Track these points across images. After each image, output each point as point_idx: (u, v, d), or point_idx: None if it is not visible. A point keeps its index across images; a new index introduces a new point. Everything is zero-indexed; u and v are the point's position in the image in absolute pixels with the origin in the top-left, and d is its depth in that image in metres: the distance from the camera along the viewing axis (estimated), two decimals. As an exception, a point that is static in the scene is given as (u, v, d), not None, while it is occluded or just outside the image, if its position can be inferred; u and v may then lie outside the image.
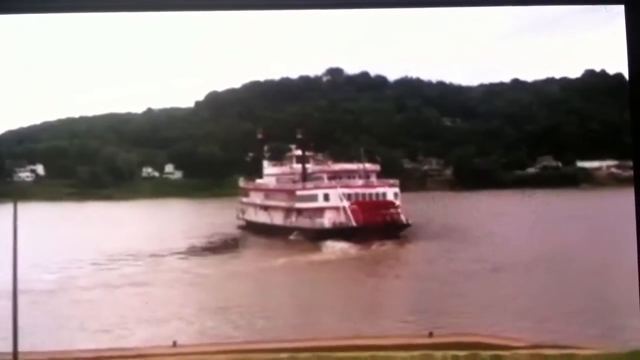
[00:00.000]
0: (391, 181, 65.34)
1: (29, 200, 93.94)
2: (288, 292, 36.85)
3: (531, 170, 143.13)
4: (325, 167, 69.46)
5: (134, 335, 31.28)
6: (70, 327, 32.51)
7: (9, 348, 21.79)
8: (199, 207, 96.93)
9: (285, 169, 73.80)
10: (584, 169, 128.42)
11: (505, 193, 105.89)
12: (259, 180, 79.05)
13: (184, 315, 32.38)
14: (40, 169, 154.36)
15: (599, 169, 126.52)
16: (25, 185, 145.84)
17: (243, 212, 77.13)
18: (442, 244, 52.65)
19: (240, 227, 73.53)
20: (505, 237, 52.47)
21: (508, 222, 63.28)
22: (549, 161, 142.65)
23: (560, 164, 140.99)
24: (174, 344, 30.86)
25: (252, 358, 28.19)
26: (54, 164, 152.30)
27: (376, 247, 53.55)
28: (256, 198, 75.64)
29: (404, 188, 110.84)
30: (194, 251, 54.38)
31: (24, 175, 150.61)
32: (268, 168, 78.79)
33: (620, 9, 8.35)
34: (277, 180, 74.12)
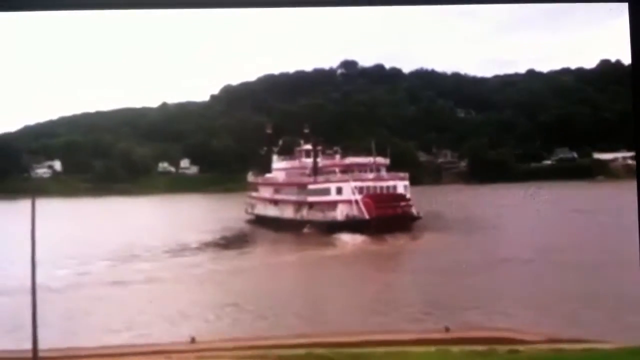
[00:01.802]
0: (401, 174, 65.01)
1: (47, 196, 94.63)
2: (304, 286, 36.88)
3: (547, 162, 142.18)
4: (336, 161, 69.19)
5: (150, 331, 31.51)
6: (87, 323, 32.78)
7: (27, 344, 21.94)
8: (214, 202, 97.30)
9: (294, 163, 73.24)
10: (599, 161, 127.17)
11: (520, 185, 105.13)
12: (268, 175, 78.78)
13: (200, 311, 32.48)
14: (57, 164, 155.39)
15: (614, 160, 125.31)
16: (43, 181, 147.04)
17: (252, 206, 76.92)
18: (454, 236, 52.42)
19: (249, 222, 73.52)
20: (519, 231, 52.23)
21: (521, 216, 62.84)
22: (564, 153, 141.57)
23: (576, 155, 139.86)
24: (193, 340, 30.96)
25: (268, 354, 28.27)
26: (71, 159, 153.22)
27: (389, 240, 53.49)
28: (265, 192, 75.16)
29: (419, 181, 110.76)
30: (208, 246, 54.54)
31: (42, 171, 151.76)
32: (277, 162, 78.42)
33: (624, 6, 8.34)
34: (287, 175, 73.64)
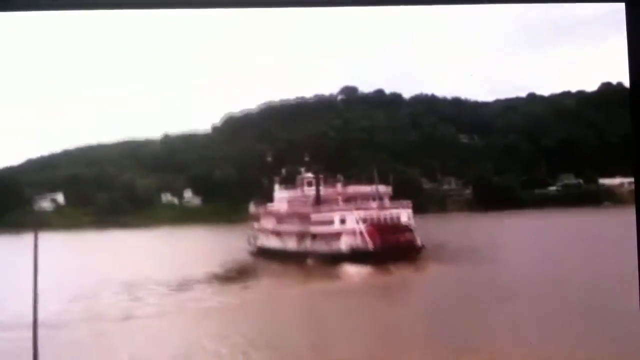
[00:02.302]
0: (404, 202, 64.54)
1: (50, 229, 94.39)
2: (310, 320, 36.26)
3: (552, 188, 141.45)
4: (339, 190, 68.79)
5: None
6: (89, 359, 32.18)
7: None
8: (217, 234, 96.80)
9: (296, 192, 72.74)
10: (605, 187, 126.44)
11: (526, 213, 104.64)
12: (270, 205, 78.28)
13: (202, 346, 31.85)
14: (60, 197, 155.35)
15: (620, 185, 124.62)
16: (46, 214, 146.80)
17: (255, 238, 76.24)
18: (460, 268, 51.77)
19: (252, 254, 72.82)
20: (525, 261, 51.56)
21: (528, 245, 62.30)
22: (569, 179, 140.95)
23: (581, 182, 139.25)
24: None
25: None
26: (74, 191, 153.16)
27: (394, 272, 52.86)
28: (268, 223, 74.60)
29: (423, 209, 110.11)
30: (211, 279, 53.94)
31: (45, 204, 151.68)
32: (279, 192, 77.82)
33: (621, 6, 8.21)
34: (289, 204, 73.08)
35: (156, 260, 67.73)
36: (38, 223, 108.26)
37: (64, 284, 47.32)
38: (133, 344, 32.66)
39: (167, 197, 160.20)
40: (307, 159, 75.03)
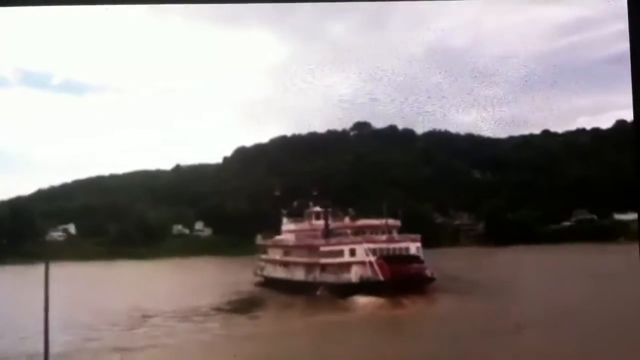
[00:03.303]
0: (413, 236, 64.14)
1: (61, 260, 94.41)
2: (325, 352, 35.55)
3: (566, 223, 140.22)
4: (348, 223, 68.67)
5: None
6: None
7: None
8: (227, 265, 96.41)
9: (304, 225, 73.08)
10: (620, 222, 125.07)
11: (539, 248, 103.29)
12: (277, 237, 78.40)
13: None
14: (71, 227, 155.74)
15: (634, 221, 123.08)
16: (57, 245, 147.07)
17: (261, 269, 76.29)
18: (470, 299, 51.03)
19: (259, 284, 72.69)
20: (536, 296, 50.65)
21: (540, 280, 61.31)
22: (584, 214, 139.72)
23: (596, 217, 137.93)
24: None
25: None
26: (85, 222, 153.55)
27: (406, 304, 52.22)
28: (275, 254, 74.68)
29: (435, 243, 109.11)
30: (219, 310, 53.43)
31: (56, 235, 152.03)
32: (287, 224, 77.93)
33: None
34: (296, 237, 73.38)
35: (166, 291, 67.34)
36: (49, 253, 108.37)
37: (74, 314, 47.06)
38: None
39: (178, 228, 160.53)
40: (315, 193, 75.04)
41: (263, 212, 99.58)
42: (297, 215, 76.74)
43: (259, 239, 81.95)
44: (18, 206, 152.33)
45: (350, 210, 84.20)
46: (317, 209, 72.37)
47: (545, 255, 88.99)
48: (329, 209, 71.70)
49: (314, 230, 69.16)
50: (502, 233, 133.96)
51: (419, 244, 61.90)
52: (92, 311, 51.56)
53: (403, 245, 60.95)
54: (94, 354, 35.26)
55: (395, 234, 63.11)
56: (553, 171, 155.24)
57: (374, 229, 63.19)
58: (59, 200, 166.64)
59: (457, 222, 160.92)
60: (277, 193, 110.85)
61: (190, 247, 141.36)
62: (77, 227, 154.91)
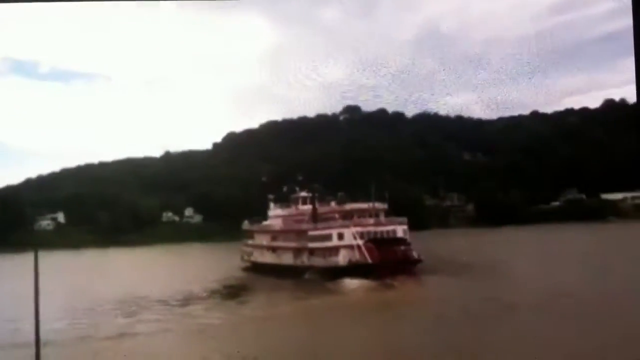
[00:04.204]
0: (400, 219, 63.93)
1: (50, 249, 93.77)
2: (318, 334, 35.47)
3: (555, 203, 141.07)
4: (336, 207, 68.45)
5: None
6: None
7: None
8: (217, 251, 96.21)
9: (291, 210, 72.84)
10: (608, 201, 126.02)
11: (528, 228, 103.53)
12: (264, 222, 78.26)
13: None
14: (60, 216, 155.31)
15: (623, 200, 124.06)
16: (46, 234, 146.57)
17: (248, 254, 76.14)
18: (458, 279, 51.08)
19: (246, 269, 72.61)
20: (526, 275, 50.65)
21: (529, 259, 61.50)
22: (573, 194, 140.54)
23: (584, 197, 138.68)
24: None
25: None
26: (75, 211, 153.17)
27: (393, 283, 52.36)
28: (263, 240, 74.50)
29: (425, 225, 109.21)
30: (209, 295, 53.29)
31: (45, 223, 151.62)
32: (274, 210, 77.70)
33: (624, 27, 7.87)
34: (284, 222, 73.15)
35: (156, 278, 67.14)
36: (38, 242, 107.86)
37: (64, 302, 46.91)
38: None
39: (168, 215, 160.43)
40: (300, 178, 74.87)
41: (253, 198, 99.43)
42: (284, 200, 76.42)
43: (246, 225, 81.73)
44: (6, 196, 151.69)
45: (342, 194, 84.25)
46: (304, 194, 72.00)
47: (534, 235, 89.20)
48: (316, 194, 71.39)
49: (301, 215, 68.91)
50: (491, 214, 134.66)
51: (405, 227, 61.70)
52: (82, 299, 51.29)
53: (390, 228, 60.69)
54: (85, 342, 34.96)
55: (382, 217, 62.89)
56: (542, 152, 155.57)
57: (362, 213, 62.90)
58: (48, 189, 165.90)
59: (447, 203, 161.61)
60: (264, 179, 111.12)
61: (181, 234, 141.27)
62: (66, 216, 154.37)
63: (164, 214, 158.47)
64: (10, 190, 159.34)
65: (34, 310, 11.18)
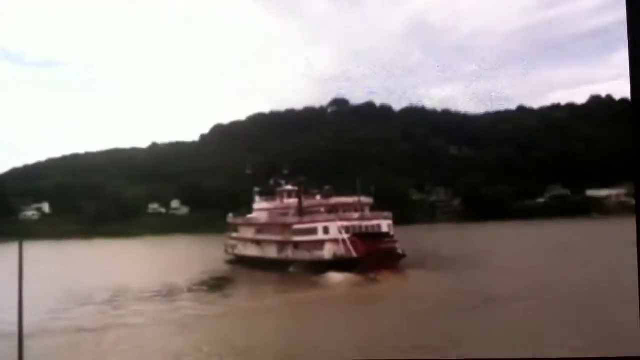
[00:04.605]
0: (385, 213, 64.18)
1: (35, 239, 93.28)
2: (303, 328, 35.53)
3: (540, 200, 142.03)
4: (322, 201, 68.52)
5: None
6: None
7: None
8: (203, 243, 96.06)
9: (276, 203, 72.91)
10: (593, 198, 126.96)
11: (514, 223, 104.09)
12: (249, 215, 78.29)
13: (180, 355, 31.10)
14: (46, 206, 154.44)
15: (608, 197, 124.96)
16: (31, 224, 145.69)
17: (232, 247, 76.23)
18: (445, 275, 51.47)
19: (230, 262, 72.65)
20: (509, 270, 51.04)
21: (513, 254, 61.94)
22: (558, 190, 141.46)
23: (569, 193, 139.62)
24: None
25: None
26: (60, 201, 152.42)
27: (377, 278, 52.60)
28: (247, 233, 74.54)
29: (411, 220, 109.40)
30: (193, 288, 53.21)
31: (30, 213, 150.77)
32: (259, 203, 77.67)
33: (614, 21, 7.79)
34: (269, 215, 73.21)
35: (140, 269, 67.05)
36: (23, 232, 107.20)
37: (49, 293, 46.70)
38: (113, 353, 31.87)
39: (154, 207, 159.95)
40: (286, 171, 74.73)
41: (240, 191, 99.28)
42: (270, 193, 76.32)
43: (230, 218, 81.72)
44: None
45: (329, 187, 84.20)
46: (289, 187, 71.99)
47: (519, 230, 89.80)
48: (302, 187, 71.42)
49: (286, 208, 68.96)
50: (477, 209, 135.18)
51: (390, 222, 61.94)
52: (65, 290, 51.13)
53: (375, 223, 60.91)
54: (67, 334, 34.85)
55: (367, 212, 63.07)
56: (529, 147, 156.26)
57: (347, 207, 63.02)
58: (34, 179, 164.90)
59: (433, 198, 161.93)
60: (249, 171, 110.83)
61: (166, 226, 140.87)
62: (51, 206, 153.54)
63: (150, 206, 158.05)
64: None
65: (17, 302, 11.19)
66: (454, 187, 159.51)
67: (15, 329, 11.65)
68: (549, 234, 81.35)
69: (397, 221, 65.94)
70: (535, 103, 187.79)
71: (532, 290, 38.88)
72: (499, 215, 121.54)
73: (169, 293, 50.38)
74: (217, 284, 55.12)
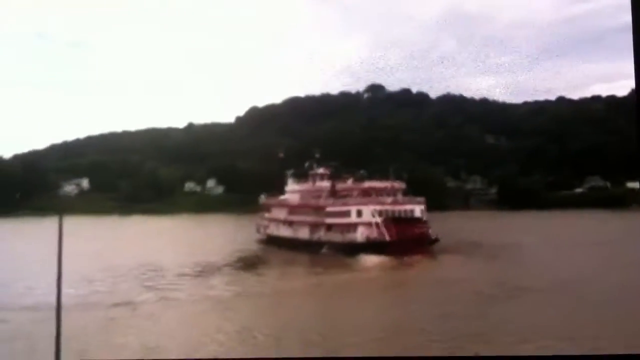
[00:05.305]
0: (418, 199, 64.00)
1: (74, 214, 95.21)
2: (330, 308, 35.79)
3: (578, 190, 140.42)
4: (355, 185, 68.61)
5: (166, 354, 30.86)
6: (109, 343, 32.37)
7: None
8: (237, 222, 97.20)
9: (309, 185, 72.98)
10: (632, 190, 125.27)
11: (550, 214, 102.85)
12: (282, 197, 78.86)
13: (212, 334, 31.62)
14: (84, 182, 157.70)
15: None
16: (70, 199, 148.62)
17: (264, 227, 76.89)
18: (473, 260, 51.21)
19: (261, 242, 73.38)
20: (542, 259, 50.60)
21: (545, 243, 61.23)
22: (596, 181, 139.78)
23: (608, 184, 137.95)
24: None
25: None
26: (98, 178, 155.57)
27: (409, 261, 52.53)
28: (279, 214, 75.16)
29: (446, 206, 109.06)
30: (227, 266, 53.74)
31: (70, 188, 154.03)
32: (291, 185, 78.25)
33: None
34: (301, 197, 73.71)
35: (175, 247, 67.87)
36: (62, 207, 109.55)
37: (86, 267, 47.58)
38: (150, 328, 32.54)
39: (190, 186, 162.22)
40: (317, 155, 75.04)
41: (274, 172, 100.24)
42: (302, 176, 76.83)
43: (263, 199, 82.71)
44: (31, 160, 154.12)
45: (362, 172, 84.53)
46: (321, 170, 72.37)
47: (555, 220, 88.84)
48: (334, 171, 71.86)
49: (319, 191, 69.28)
50: (513, 198, 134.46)
51: (423, 207, 61.78)
52: (101, 265, 51.97)
53: (408, 207, 60.77)
54: (101, 308, 35.60)
55: (400, 197, 63.06)
56: (566, 138, 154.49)
57: (379, 191, 63.01)
58: (72, 155, 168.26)
59: (469, 186, 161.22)
60: (281, 155, 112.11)
61: (202, 204, 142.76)
62: (90, 182, 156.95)
63: (186, 184, 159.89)
64: (34, 155, 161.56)
65: (56, 275, 11.59)
66: (489, 175, 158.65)
67: (53, 301, 12.12)
68: (586, 225, 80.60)
69: (432, 207, 65.97)
70: (575, 95, 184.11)
71: (562, 282, 38.66)
72: (534, 205, 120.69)
73: (203, 270, 50.96)
74: (251, 263, 55.58)
